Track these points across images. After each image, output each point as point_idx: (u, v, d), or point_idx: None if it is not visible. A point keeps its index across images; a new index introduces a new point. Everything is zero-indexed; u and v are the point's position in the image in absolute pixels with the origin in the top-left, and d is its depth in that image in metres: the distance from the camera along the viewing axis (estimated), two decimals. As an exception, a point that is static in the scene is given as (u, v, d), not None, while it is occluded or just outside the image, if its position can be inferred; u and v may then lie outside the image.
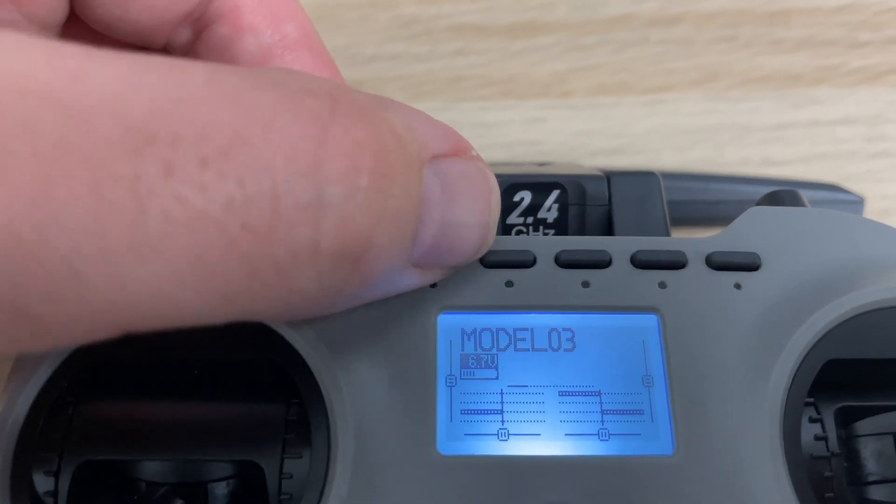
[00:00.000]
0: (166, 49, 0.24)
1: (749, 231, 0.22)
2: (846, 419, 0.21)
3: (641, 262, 0.22)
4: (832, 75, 0.44)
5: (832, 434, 0.21)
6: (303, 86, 0.16)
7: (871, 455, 0.21)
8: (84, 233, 0.13)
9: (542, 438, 0.20)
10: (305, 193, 0.14)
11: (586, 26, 0.45)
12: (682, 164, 0.42)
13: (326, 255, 0.15)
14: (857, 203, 0.38)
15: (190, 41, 0.24)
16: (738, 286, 0.21)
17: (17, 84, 0.13)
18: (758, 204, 0.25)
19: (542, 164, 0.29)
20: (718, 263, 0.22)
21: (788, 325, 0.21)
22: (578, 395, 0.21)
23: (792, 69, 0.44)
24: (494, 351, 0.21)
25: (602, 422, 0.20)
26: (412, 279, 0.19)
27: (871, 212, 0.39)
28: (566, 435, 0.20)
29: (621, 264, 0.22)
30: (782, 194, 0.25)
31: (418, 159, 0.17)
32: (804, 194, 0.37)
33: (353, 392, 0.20)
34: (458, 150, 0.19)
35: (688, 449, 0.20)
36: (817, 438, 0.21)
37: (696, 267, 0.22)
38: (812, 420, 0.21)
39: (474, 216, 0.19)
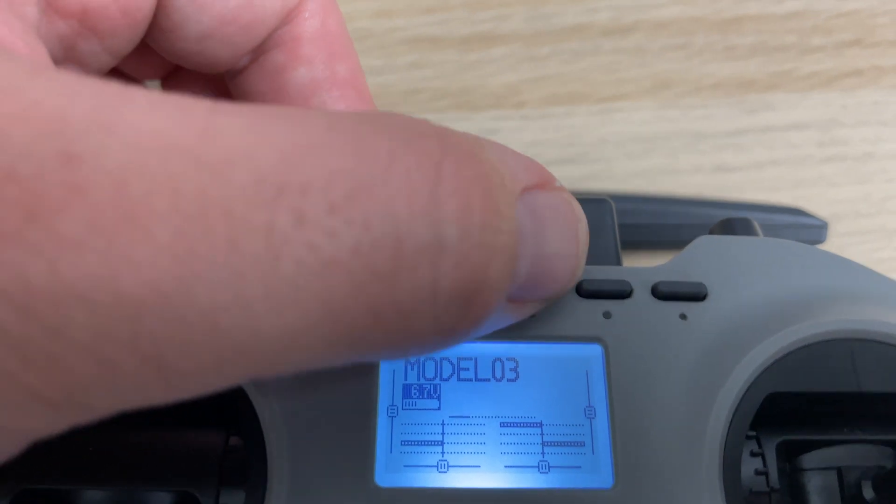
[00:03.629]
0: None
1: (697, 260, 0.22)
2: (788, 453, 0.21)
3: (587, 292, 0.22)
4: (785, 81, 0.44)
5: (773, 469, 0.21)
6: (412, 127, 0.16)
7: (814, 489, 0.20)
8: (223, 285, 0.13)
9: (481, 470, 0.20)
10: (425, 234, 0.15)
11: (539, 37, 0.45)
12: (635, 173, 0.42)
13: (444, 295, 0.15)
14: (820, 227, 0.37)
15: (247, 65, 0.24)
16: (683, 316, 0.21)
17: (156, 142, 0.13)
18: (711, 231, 0.25)
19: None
20: (664, 293, 0.21)
21: (731, 357, 0.20)
22: (520, 426, 0.20)
23: (745, 75, 0.44)
24: (437, 381, 0.21)
25: (542, 454, 0.20)
26: (510, 315, 0.19)
27: (823, 216, 0.39)
28: (506, 467, 0.20)
29: (567, 294, 0.22)
30: (735, 222, 0.24)
31: (513, 193, 0.17)
32: (768, 218, 0.37)
33: (291, 423, 0.20)
34: (544, 182, 0.19)
35: (627, 483, 0.20)
36: (758, 473, 0.21)
37: (642, 296, 0.22)
38: (753, 454, 0.21)
39: (564, 247, 0.19)
